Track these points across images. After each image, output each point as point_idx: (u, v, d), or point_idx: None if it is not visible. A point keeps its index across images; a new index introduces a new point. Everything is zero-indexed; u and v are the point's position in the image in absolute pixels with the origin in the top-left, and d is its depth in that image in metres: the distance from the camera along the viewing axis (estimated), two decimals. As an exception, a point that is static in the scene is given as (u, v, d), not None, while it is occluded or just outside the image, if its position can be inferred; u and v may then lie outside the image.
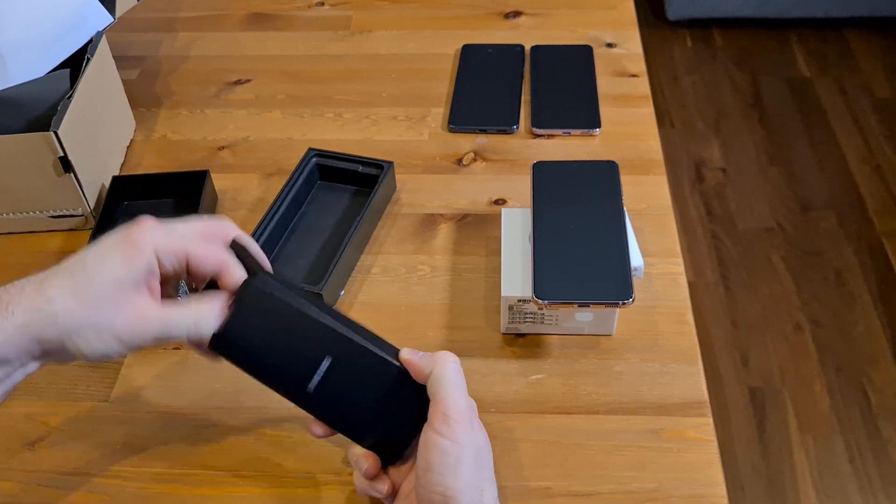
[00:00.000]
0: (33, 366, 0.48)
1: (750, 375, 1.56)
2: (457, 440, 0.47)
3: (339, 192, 0.79)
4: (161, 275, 0.49)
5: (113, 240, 0.48)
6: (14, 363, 0.47)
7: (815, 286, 1.71)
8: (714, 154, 2.01)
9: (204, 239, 0.51)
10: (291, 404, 0.62)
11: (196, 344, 0.51)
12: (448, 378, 0.49)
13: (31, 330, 0.45)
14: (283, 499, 0.57)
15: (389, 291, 0.71)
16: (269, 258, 0.72)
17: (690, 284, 0.70)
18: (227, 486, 0.58)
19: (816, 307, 1.67)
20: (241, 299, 0.50)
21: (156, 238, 0.48)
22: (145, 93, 0.92)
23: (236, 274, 0.51)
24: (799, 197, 1.90)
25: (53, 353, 0.47)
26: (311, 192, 0.79)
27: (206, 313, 0.50)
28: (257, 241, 0.71)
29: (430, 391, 0.50)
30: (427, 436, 0.48)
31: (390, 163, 0.77)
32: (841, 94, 2.15)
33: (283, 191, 0.75)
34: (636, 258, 0.63)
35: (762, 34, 2.35)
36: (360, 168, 0.77)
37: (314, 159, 0.79)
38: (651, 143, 0.83)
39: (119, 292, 0.47)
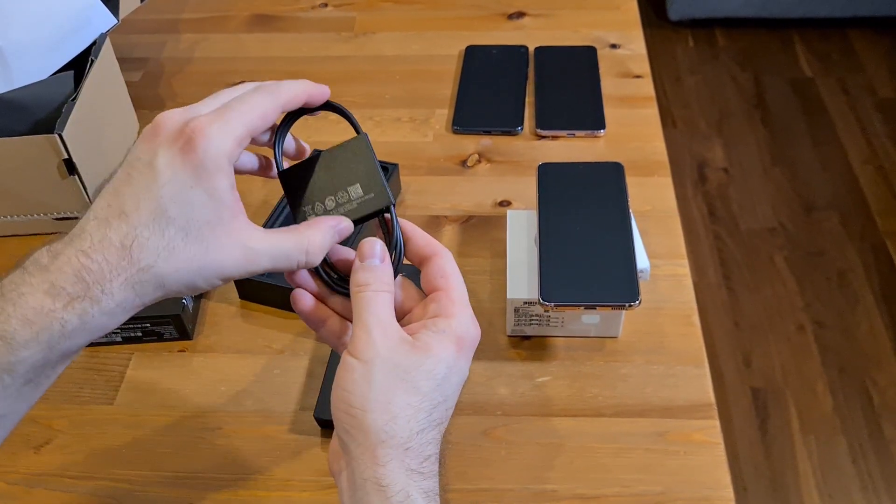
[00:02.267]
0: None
1: (752, 376, 1.56)
2: (360, 356, 0.42)
3: (343, 193, 0.79)
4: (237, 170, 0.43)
5: (177, 170, 0.40)
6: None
7: (818, 287, 1.70)
8: (717, 154, 2.01)
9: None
10: (295, 406, 0.62)
11: (295, 272, 0.46)
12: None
13: (132, 301, 0.40)
14: (288, 502, 0.57)
15: (394, 293, 0.70)
16: (273, 260, 0.72)
17: (693, 285, 0.70)
18: (232, 490, 0.58)
19: (819, 308, 1.66)
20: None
21: (227, 147, 0.41)
22: (149, 94, 0.92)
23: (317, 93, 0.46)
24: (802, 197, 1.89)
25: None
26: (315, 193, 0.78)
27: (319, 241, 0.44)
28: (262, 243, 0.71)
29: None
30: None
31: (395, 165, 0.77)
32: (844, 94, 2.15)
33: (287, 193, 0.75)
34: (642, 260, 0.63)
35: (764, 34, 2.35)
36: (365, 170, 0.77)
37: (318, 161, 0.78)
38: (656, 144, 0.83)
39: (216, 230, 0.41)
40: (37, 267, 0.39)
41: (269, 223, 0.73)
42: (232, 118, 0.41)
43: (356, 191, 0.47)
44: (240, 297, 0.71)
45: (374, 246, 0.45)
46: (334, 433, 0.44)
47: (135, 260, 0.39)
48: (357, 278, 0.45)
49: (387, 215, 0.47)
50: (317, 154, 0.49)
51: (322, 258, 0.45)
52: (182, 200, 0.40)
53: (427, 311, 0.45)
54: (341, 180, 0.48)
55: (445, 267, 0.46)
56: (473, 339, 0.45)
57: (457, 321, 0.44)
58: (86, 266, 0.39)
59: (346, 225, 0.46)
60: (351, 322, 0.46)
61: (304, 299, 0.47)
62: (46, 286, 0.39)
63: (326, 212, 0.47)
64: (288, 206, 0.74)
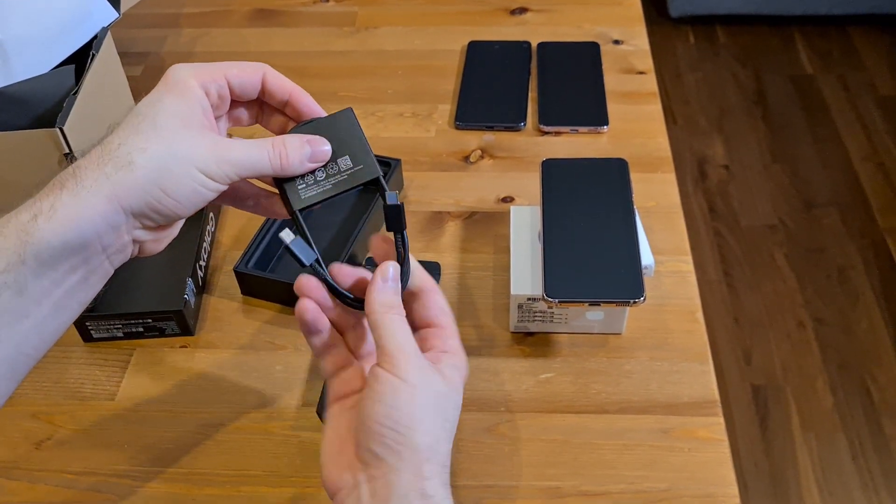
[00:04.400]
0: (118, 257, 0.43)
1: (753, 373, 1.56)
2: (405, 378, 0.43)
3: (345, 189, 0.78)
4: (211, 107, 0.46)
5: (155, 90, 0.45)
6: (94, 248, 0.42)
7: (818, 283, 1.70)
8: (717, 151, 2.01)
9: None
10: (298, 402, 0.62)
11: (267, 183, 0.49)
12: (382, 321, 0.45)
13: (107, 190, 0.41)
14: (290, 499, 0.57)
15: (397, 289, 0.70)
16: (275, 256, 0.72)
17: (695, 282, 0.70)
18: (234, 486, 0.58)
19: (819, 304, 1.66)
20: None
21: (193, 71, 0.45)
22: (150, 89, 0.91)
23: (304, 97, 0.48)
24: (802, 194, 1.89)
25: (139, 217, 0.42)
26: (317, 189, 0.78)
27: (296, 147, 0.46)
28: (263, 239, 0.71)
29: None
30: (374, 368, 0.44)
31: (397, 160, 0.77)
32: (844, 91, 2.14)
33: (289, 188, 0.75)
34: (647, 256, 0.63)
35: (765, 31, 2.34)
36: (367, 165, 0.77)
37: (320, 156, 0.78)
38: (659, 140, 0.83)
39: (187, 126, 0.43)
40: None
41: (268, 222, 0.72)
42: (208, 63, 0.46)
43: (346, 162, 0.48)
44: (242, 293, 0.70)
45: (395, 269, 0.47)
46: (356, 445, 0.44)
47: (105, 144, 0.42)
48: (383, 299, 0.46)
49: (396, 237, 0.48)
50: (304, 123, 0.49)
51: (298, 170, 0.47)
52: (153, 101, 0.44)
53: (428, 345, 0.47)
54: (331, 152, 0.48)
55: (442, 304, 0.48)
56: (466, 375, 0.48)
57: (462, 359, 0.47)
58: (69, 167, 0.42)
59: (321, 144, 0.47)
60: (339, 333, 0.49)
61: (309, 307, 0.47)
62: (41, 191, 0.42)
63: (317, 182, 0.48)
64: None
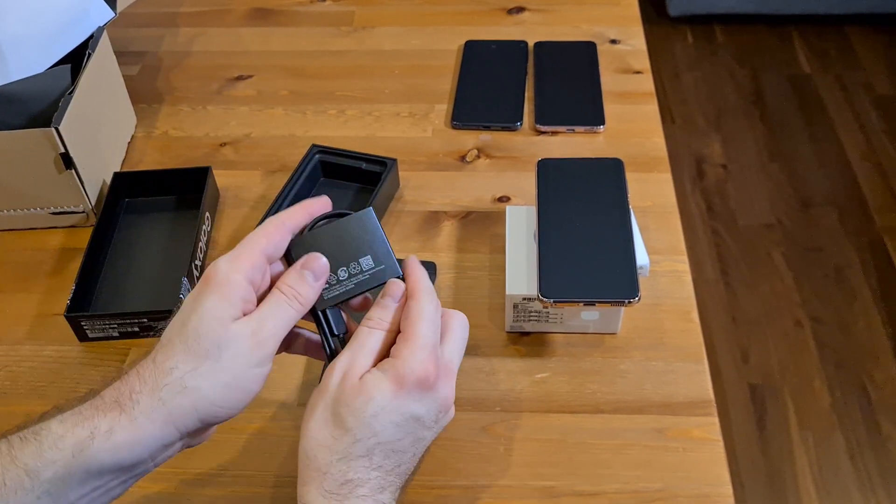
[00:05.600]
0: (162, 459, 0.45)
1: (750, 372, 1.56)
2: (318, 388, 0.48)
3: (342, 189, 0.78)
4: (258, 290, 0.48)
5: (198, 291, 0.46)
6: (144, 463, 0.44)
7: (816, 283, 1.71)
8: (715, 150, 2.01)
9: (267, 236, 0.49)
10: (293, 402, 0.62)
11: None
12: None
13: (163, 416, 0.43)
14: (286, 499, 0.57)
15: (393, 289, 0.70)
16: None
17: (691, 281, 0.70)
18: (230, 487, 0.58)
19: (817, 304, 1.67)
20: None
21: (235, 266, 0.46)
22: (147, 88, 0.92)
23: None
24: (799, 193, 1.89)
25: (190, 434, 0.45)
26: (313, 189, 0.78)
27: (300, 280, 0.48)
28: (260, 238, 0.71)
29: None
30: None
31: (394, 160, 0.77)
32: (842, 90, 2.15)
33: (285, 188, 0.75)
34: (642, 256, 0.63)
35: (763, 30, 2.34)
36: (364, 165, 0.77)
37: (317, 156, 0.78)
38: (656, 140, 0.83)
39: (228, 328, 0.45)
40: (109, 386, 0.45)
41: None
42: (240, 247, 0.47)
43: (367, 262, 0.51)
44: (238, 293, 0.70)
45: (396, 287, 0.50)
46: None
47: (158, 364, 0.44)
48: (369, 312, 0.50)
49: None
50: (325, 222, 0.51)
51: (316, 296, 0.49)
52: (196, 307, 0.45)
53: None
54: (353, 252, 0.51)
55: (412, 311, 0.49)
56: (418, 378, 0.47)
57: (401, 361, 0.47)
58: (124, 381, 0.44)
59: (314, 260, 0.49)
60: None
61: None
62: (96, 400, 0.43)
63: (339, 282, 0.50)
64: (284, 202, 0.74)
